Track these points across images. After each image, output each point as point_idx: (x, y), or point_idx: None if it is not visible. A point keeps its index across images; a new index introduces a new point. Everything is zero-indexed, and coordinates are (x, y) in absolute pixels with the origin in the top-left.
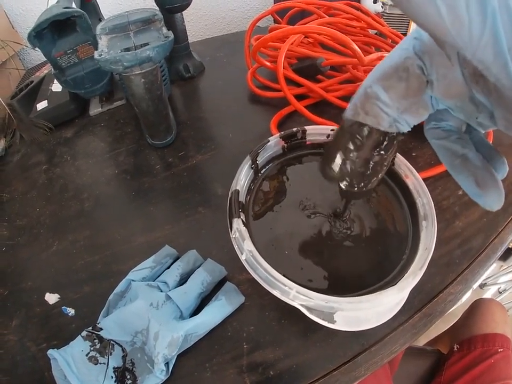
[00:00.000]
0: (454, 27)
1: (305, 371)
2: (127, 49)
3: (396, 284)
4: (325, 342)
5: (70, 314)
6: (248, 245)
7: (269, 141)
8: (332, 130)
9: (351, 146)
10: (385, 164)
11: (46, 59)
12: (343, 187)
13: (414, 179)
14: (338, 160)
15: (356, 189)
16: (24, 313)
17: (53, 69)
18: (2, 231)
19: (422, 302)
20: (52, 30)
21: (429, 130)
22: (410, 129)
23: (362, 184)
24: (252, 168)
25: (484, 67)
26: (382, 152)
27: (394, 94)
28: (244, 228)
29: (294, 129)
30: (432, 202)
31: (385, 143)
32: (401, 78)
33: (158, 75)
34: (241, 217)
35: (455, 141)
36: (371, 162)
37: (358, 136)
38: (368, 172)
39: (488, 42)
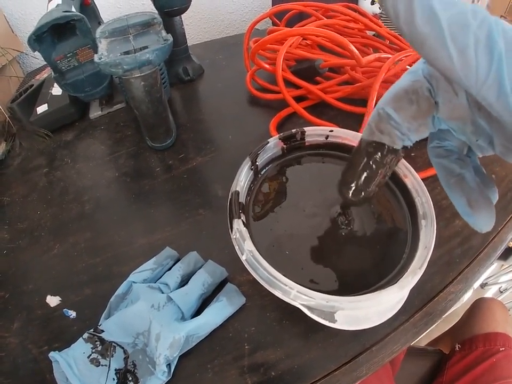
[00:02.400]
0: (462, 70)
1: (307, 371)
2: (127, 53)
3: (395, 282)
4: (326, 342)
5: (71, 316)
6: (248, 245)
7: (268, 142)
8: (330, 131)
9: (370, 165)
10: (388, 174)
11: (45, 63)
12: (349, 197)
13: (412, 179)
14: (357, 179)
15: (359, 198)
16: (25, 315)
17: (53, 73)
18: (3, 234)
19: (422, 301)
20: (52, 34)
21: (431, 149)
22: (411, 144)
23: (364, 194)
24: (252, 169)
25: (487, 104)
26: (385, 161)
27: (405, 115)
28: (244, 228)
29: (293, 130)
30: (431, 201)
31: (388, 155)
32: (412, 101)
33: (157, 78)
34: (242, 218)
35: (454, 161)
36: (375, 173)
37: (374, 155)
38: (373, 183)
39: (493, 84)
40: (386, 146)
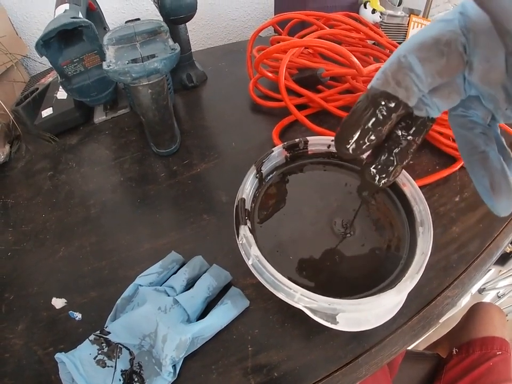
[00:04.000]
0: None
1: (308, 372)
2: (134, 60)
3: (394, 286)
4: (327, 344)
5: (77, 318)
6: (254, 251)
7: (272, 151)
8: (332, 140)
9: (375, 121)
10: (411, 150)
11: (50, 66)
12: (368, 177)
13: (411, 187)
14: (357, 134)
15: (379, 179)
16: (30, 317)
17: (59, 77)
18: (7, 237)
19: (420, 305)
20: (59, 39)
21: (454, 117)
22: (439, 115)
23: (386, 173)
24: (257, 177)
25: None
26: (410, 137)
27: (430, 68)
28: (250, 234)
29: (297, 140)
30: (429, 209)
31: (414, 128)
32: (442, 53)
33: (164, 86)
34: (248, 224)
35: (479, 135)
36: (398, 147)
37: (383, 109)
38: (392, 158)
39: None
40: (399, 101)
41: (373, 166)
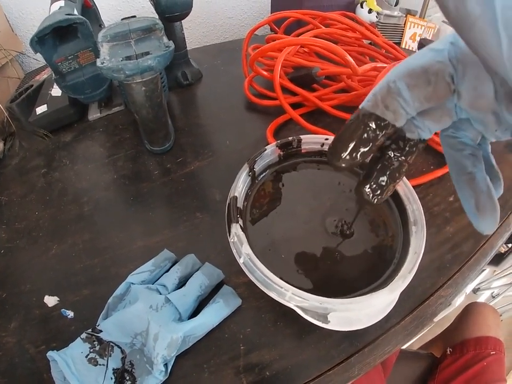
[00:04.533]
0: (510, 60)
1: (300, 371)
2: (128, 58)
3: (386, 286)
4: (319, 344)
5: (69, 316)
6: (246, 249)
7: (265, 149)
8: (326, 139)
9: (364, 138)
10: (403, 170)
11: (45, 63)
12: (363, 196)
13: (404, 187)
14: (348, 150)
15: (373, 196)
16: (22, 315)
17: (53, 74)
18: (0, 234)
19: (413, 305)
20: (54, 36)
21: (445, 137)
22: (430, 136)
23: (380, 191)
24: (249, 175)
25: None
26: (402, 158)
27: (417, 94)
28: (242, 232)
29: (290, 138)
30: (422, 208)
31: (406, 149)
32: (430, 81)
33: (158, 83)
34: (239, 222)
35: (467, 157)
36: (390, 167)
37: (372, 129)
38: (385, 178)
39: None
40: (387, 123)
41: (367, 186)
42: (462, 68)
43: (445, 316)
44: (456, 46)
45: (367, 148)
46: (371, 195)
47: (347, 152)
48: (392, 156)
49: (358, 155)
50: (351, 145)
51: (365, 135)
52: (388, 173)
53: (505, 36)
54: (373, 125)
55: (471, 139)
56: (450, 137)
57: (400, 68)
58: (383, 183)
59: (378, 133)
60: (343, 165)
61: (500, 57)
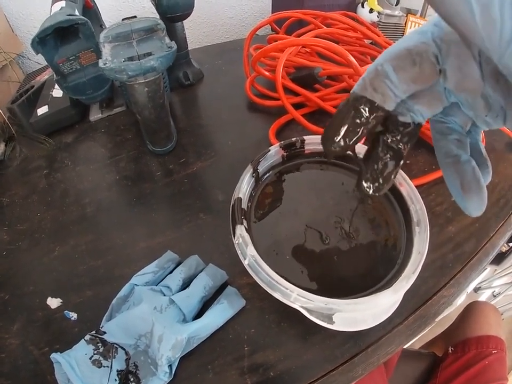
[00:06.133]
0: (484, 29)
1: (305, 372)
2: (131, 58)
3: (390, 286)
4: (323, 344)
5: (72, 318)
6: (251, 250)
7: (269, 150)
8: None
9: (356, 121)
10: (401, 157)
11: (46, 64)
12: (364, 188)
13: (407, 187)
14: (341, 134)
15: (373, 188)
16: (25, 317)
17: (55, 75)
18: (2, 236)
19: (416, 305)
20: (55, 37)
21: (433, 122)
22: (424, 121)
23: (377, 183)
24: (253, 176)
25: (509, 73)
26: (400, 145)
27: (403, 75)
28: (247, 234)
29: (293, 139)
30: (425, 208)
31: (402, 134)
32: (414, 62)
33: (160, 84)
34: (244, 223)
35: (453, 141)
36: (387, 155)
37: (363, 111)
38: (383, 167)
39: None
40: (376, 105)
41: (367, 176)
42: (446, 47)
43: (446, 315)
44: (439, 27)
45: (359, 131)
46: (370, 186)
47: (340, 136)
48: (389, 140)
49: (351, 139)
50: (343, 129)
51: (357, 118)
52: (385, 161)
53: (476, 4)
54: (362, 108)
55: (460, 125)
56: (438, 121)
57: (388, 51)
58: (383, 172)
59: (368, 115)
60: (337, 149)
61: (474, 27)
